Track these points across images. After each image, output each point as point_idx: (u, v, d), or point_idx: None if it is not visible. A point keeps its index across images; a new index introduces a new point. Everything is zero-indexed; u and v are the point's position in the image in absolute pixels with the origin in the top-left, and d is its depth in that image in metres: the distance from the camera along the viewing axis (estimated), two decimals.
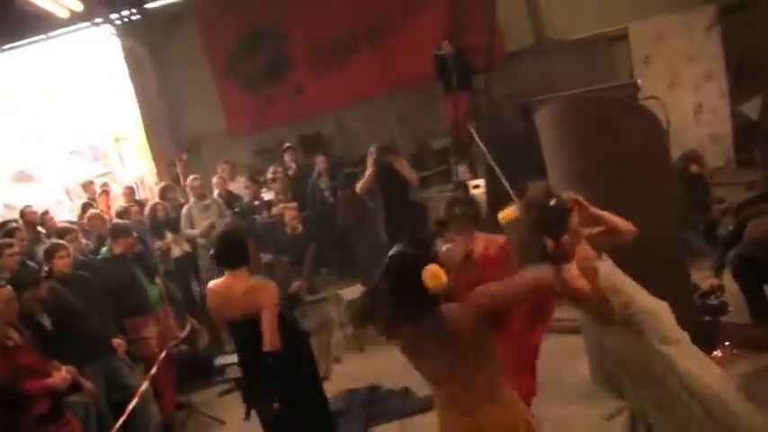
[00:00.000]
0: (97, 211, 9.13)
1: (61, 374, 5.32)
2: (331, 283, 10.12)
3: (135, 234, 7.34)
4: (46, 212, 9.27)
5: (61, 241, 6.60)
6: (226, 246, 4.98)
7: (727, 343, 5.50)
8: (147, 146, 24.12)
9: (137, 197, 11.27)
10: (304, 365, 5.25)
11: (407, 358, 3.31)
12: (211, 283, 5.03)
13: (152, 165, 13.96)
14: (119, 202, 10.90)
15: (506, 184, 10.24)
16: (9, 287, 5.19)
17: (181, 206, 10.04)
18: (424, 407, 5.97)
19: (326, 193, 10.63)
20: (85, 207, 9.95)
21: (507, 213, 3.81)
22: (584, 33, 12.18)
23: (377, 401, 6.40)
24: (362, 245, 9.93)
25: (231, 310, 4.91)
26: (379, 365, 7.26)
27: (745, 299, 5.85)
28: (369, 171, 8.66)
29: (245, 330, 4.93)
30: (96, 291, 6.56)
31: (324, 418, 5.46)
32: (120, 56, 13.01)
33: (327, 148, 12.27)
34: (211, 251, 5.11)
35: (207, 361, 8.16)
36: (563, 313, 5.81)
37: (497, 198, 9.58)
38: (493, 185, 10.59)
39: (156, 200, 9.91)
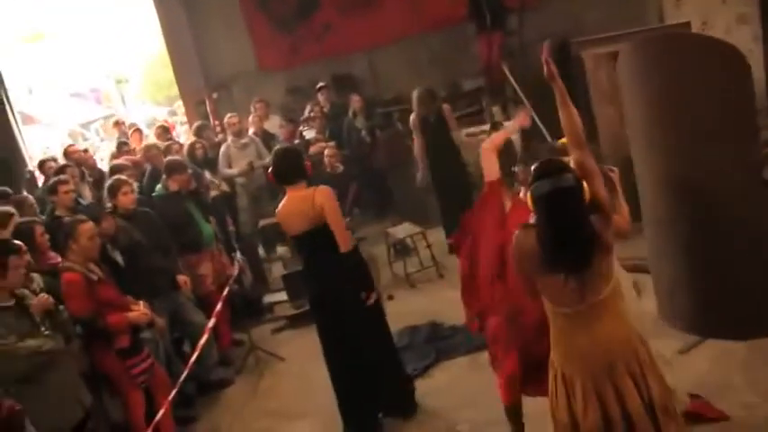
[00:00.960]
0: (155, 142, 9.06)
1: (141, 309, 5.37)
2: (367, 223, 10.19)
3: (190, 171, 7.31)
4: (86, 151, 9.22)
5: (123, 177, 6.56)
6: (284, 161, 5.14)
7: None
8: (147, 88, 23.99)
9: (169, 136, 11.15)
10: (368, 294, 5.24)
11: (538, 276, 3.33)
12: (279, 206, 5.17)
13: (179, 102, 13.84)
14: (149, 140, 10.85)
15: (540, 125, 10.25)
16: (91, 222, 5.20)
17: (217, 145, 10.00)
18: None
19: (363, 133, 10.57)
20: (121, 146, 9.90)
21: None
22: None
23: (440, 338, 6.47)
24: (402, 185, 9.97)
25: (298, 223, 5.05)
26: (432, 304, 7.36)
27: None
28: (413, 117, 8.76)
29: (315, 241, 5.06)
30: (159, 227, 6.56)
31: (392, 350, 5.53)
32: None
33: (359, 87, 12.14)
34: (270, 169, 5.23)
35: (256, 299, 8.25)
36: (625, 252, 5.86)
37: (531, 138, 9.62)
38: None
39: (194, 138, 9.83)
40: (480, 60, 11.76)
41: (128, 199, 6.33)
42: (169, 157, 7.59)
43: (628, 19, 11.04)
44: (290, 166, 5.13)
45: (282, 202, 5.16)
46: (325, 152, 9.32)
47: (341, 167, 9.29)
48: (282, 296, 8.16)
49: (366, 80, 12.59)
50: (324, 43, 12.43)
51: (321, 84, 11.41)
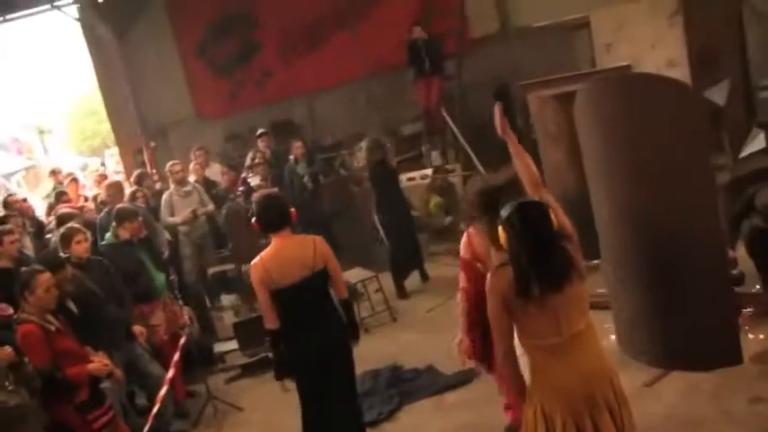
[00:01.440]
0: (116, 179, 8.84)
1: (100, 359, 5.19)
2: None
3: (140, 218, 7.15)
4: (25, 200, 8.97)
5: (77, 225, 6.36)
6: (271, 208, 4.88)
7: (748, 310, 5.77)
8: (72, 138, 23.64)
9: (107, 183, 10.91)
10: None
11: (514, 314, 3.33)
12: (259, 258, 4.81)
13: (109, 151, 13.65)
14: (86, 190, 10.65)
15: (480, 167, 10.46)
16: (48, 273, 5.03)
17: (158, 193, 9.84)
18: (453, 383, 6.11)
19: (306, 179, 10.53)
20: (60, 195, 9.65)
21: None
22: (546, 21, 12.41)
23: (403, 381, 6.42)
24: (347, 230, 9.98)
25: (297, 271, 4.77)
26: (389, 347, 7.31)
27: (760, 270, 6.04)
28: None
29: (315, 288, 4.87)
30: (113, 276, 6.38)
31: (355, 397, 5.45)
32: (81, 39, 12.61)
33: (298, 133, 12.19)
34: (253, 217, 4.94)
35: (207, 349, 8.07)
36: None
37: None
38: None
39: (134, 187, 9.64)
40: (420, 105, 11.96)
41: (81, 248, 6.12)
42: (119, 205, 7.41)
43: (560, 64, 11.42)
44: (279, 213, 4.88)
45: (270, 250, 4.84)
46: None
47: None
48: (233, 345, 8.03)
49: (305, 126, 12.64)
50: (264, 89, 12.47)
51: (261, 130, 11.35)
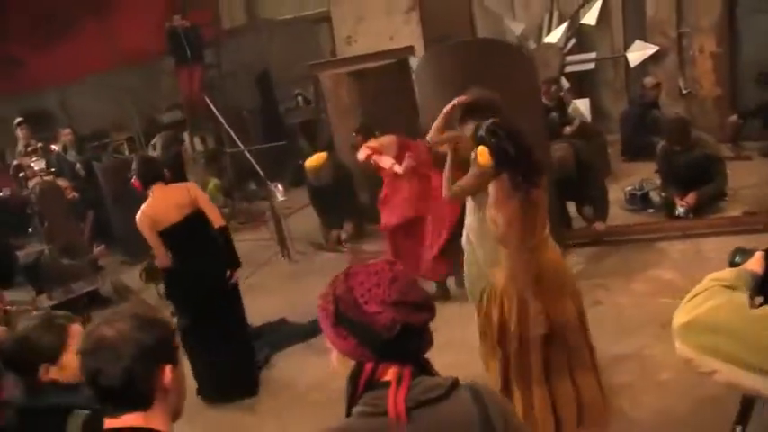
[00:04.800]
0: None
1: None
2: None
3: None
4: None
5: None
6: (150, 163, 5.65)
7: None
8: None
9: None
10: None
11: (507, 222, 4.00)
12: (141, 209, 5.37)
13: None
14: None
15: (245, 151, 10.95)
16: None
17: None
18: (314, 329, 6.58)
19: (78, 167, 10.31)
20: None
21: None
22: (291, 14, 13.18)
23: (264, 333, 6.72)
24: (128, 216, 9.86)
25: (175, 214, 5.37)
26: None
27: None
28: None
29: (192, 226, 5.43)
30: None
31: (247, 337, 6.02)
32: None
33: (53, 123, 11.74)
34: (133, 176, 5.45)
35: None
36: None
37: None
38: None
39: None
40: (181, 93, 12.11)
41: None
42: None
43: (306, 55, 12.28)
44: (155, 168, 5.52)
45: (150, 200, 5.36)
46: (59, 183, 9.05)
47: (77, 196, 9.10)
48: None
49: (59, 116, 12.18)
50: (13, 79, 11.77)
51: (19, 119, 10.84)
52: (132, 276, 8.95)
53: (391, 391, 1.79)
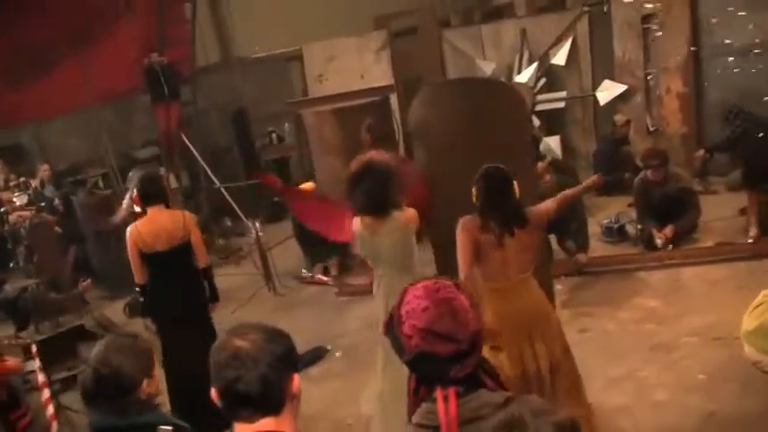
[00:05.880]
0: None
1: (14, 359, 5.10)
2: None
3: None
4: None
5: None
6: (153, 182, 5.68)
7: None
8: None
9: None
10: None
11: (480, 258, 4.23)
12: (134, 224, 5.53)
13: None
14: None
15: (218, 184, 11.10)
16: None
17: None
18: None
19: (56, 202, 10.31)
20: None
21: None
22: (264, 52, 13.37)
23: None
24: (107, 250, 9.86)
25: (165, 240, 5.46)
26: None
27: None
28: None
29: (180, 256, 5.57)
30: None
31: None
32: None
33: (28, 158, 11.75)
34: (134, 193, 5.74)
35: None
36: None
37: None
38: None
39: None
40: (158, 129, 12.19)
41: None
42: None
43: (278, 92, 12.50)
44: (158, 188, 5.62)
45: (146, 219, 5.51)
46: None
47: (60, 230, 9.11)
48: None
49: (34, 151, 12.17)
50: None
51: None
52: (114, 310, 8.99)
53: (439, 407, 1.99)
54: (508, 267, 4.24)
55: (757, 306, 2.06)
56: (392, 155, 6.59)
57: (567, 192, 4.73)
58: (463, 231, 4.26)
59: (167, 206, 5.61)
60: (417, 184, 6.29)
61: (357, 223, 4.73)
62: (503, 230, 4.19)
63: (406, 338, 2.01)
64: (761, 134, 8.38)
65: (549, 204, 4.46)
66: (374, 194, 4.60)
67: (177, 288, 5.62)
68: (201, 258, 5.67)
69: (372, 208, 4.65)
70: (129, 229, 5.50)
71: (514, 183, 4.19)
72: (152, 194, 5.53)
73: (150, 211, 5.50)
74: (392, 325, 2.07)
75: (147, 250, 5.45)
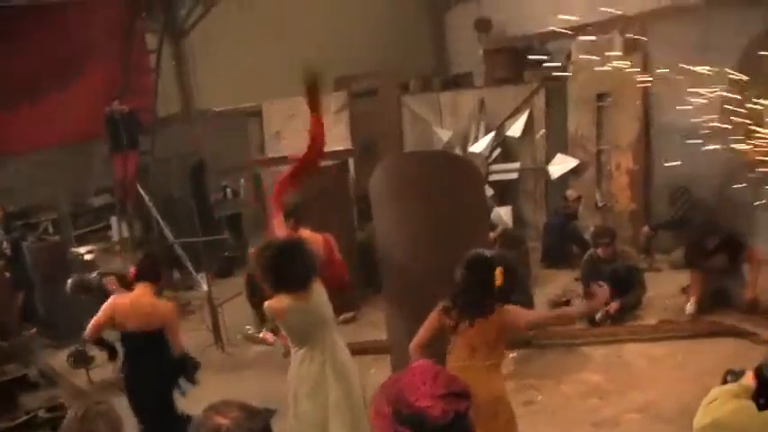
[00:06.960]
0: None
1: None
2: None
3: None
4: None
5: None
6: (150, 264, 5.75)
7: None
8: None
9: None
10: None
11: (450, 333, 4.34)
12: (120, 295, 5.76)
13: None
14: None
15: (171, 237, 11.05)
16: None
17: None
18: None
19: (4, 245, 10.18)
20: None
21: None
22: (224, 106, 13.48)
23: None
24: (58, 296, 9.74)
25: (135, 322, 5.50)
26: None
27: None
28: None
29: (149, 341, 5.53)
30: None
31: None
32: None
33: None
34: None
35: None
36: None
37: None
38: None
39: None
40: (114, 178, 12.17)
41: None
42: None
43: (236, 147, 12.58)
44: (153, 270, 5.69)
45: (127, 296, 5.64)
46: None
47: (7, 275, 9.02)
48: None
49: None
50: None
51: None
52: (58, 360, 8.82)
53: None
54: (471, 351, 4.30)
55: (711, 401, 2.30)
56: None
57: (569, 310, 4.88)
58: (436, 310, 4.41)
59: (157, 289, 5.68)
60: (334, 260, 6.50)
61: (284, 300, 4.72)
62: (459, 318, 4.30)
63: (426, 410, 2.16)
64: (702, 218, 8.72)
65: (535, 314, 4.59)
66: (306, 269, 4.75)
67: (141, 365, 5.60)
68: (177, 345, 5.61)
69: (306, 282, 4.75)
70: (111, 297, 5.68)
71: (497, 270, 4.25)
72: (145, 273, 5.61)
73: (136, 288, 5.58)
74: (397, 414, 2.18)
75: (114, 324, 5.56)
